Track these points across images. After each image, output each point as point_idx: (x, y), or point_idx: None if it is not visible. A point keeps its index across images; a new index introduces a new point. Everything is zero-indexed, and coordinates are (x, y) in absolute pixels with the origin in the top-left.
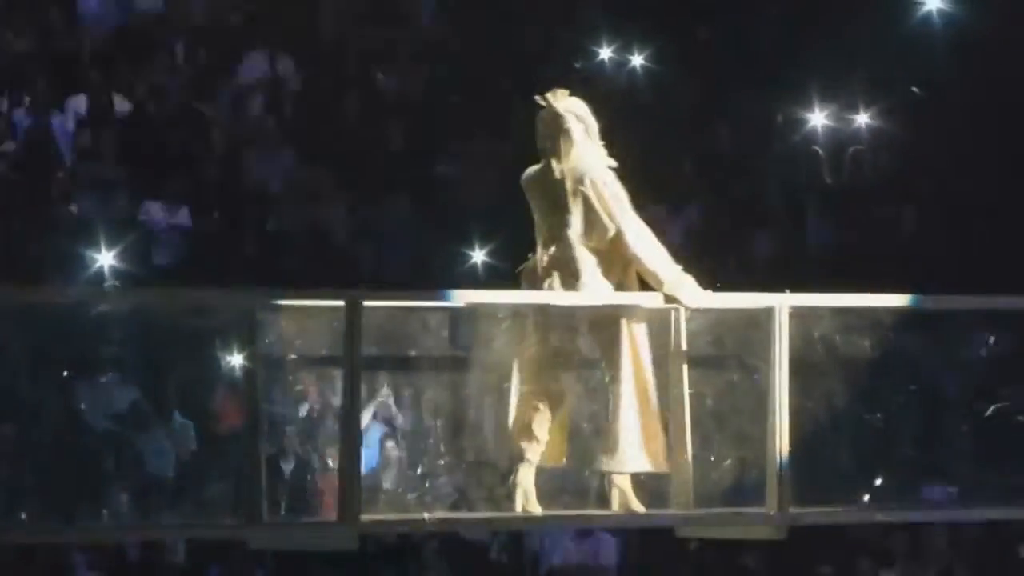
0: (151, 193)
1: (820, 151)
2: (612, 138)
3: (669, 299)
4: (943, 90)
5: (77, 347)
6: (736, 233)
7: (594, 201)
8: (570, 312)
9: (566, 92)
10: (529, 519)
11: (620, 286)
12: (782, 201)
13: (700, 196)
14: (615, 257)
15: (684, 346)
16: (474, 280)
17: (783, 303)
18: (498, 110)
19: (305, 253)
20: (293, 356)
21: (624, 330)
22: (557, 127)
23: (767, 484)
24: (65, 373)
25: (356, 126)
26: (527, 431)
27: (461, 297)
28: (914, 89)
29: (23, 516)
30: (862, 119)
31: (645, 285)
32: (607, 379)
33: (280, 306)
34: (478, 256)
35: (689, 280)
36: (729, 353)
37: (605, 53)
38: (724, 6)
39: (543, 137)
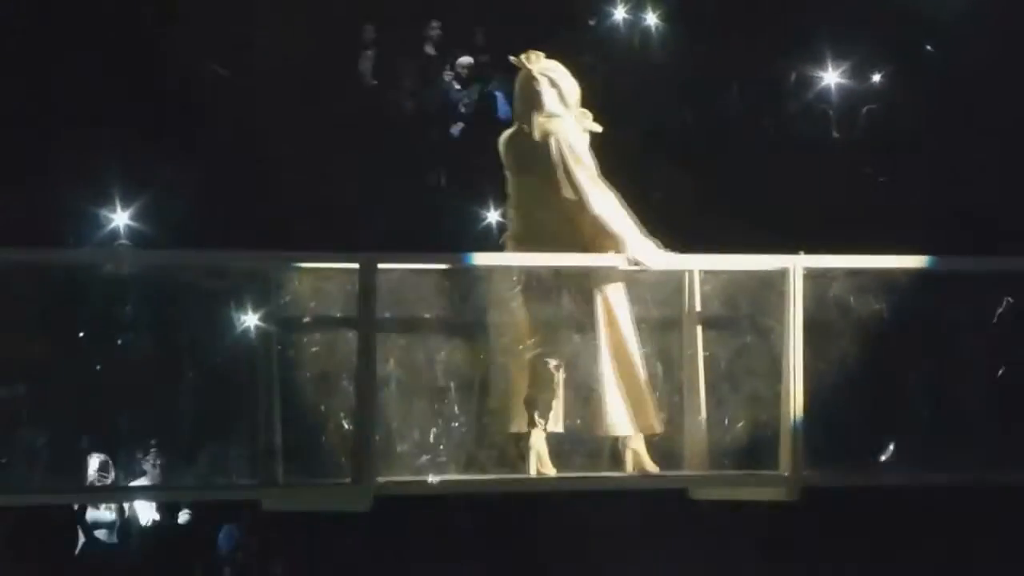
0: None
1: (831, 111)
2: (618, 97)
3: (632, 261)
4: (957, 46)
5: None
6: (749, 193)
7: (557, 163)
8: (550, 275)
9: (541, 54)
10: (542, 481)
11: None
12: (794, 161)
13: (709, 156)
14: (581, 223)
15: (698, 308)
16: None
17: (797, 264)
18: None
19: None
20: (307, 319)
21: (598, 293)
22: (530, 89)
23: (780, 445)
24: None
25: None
26: (536, 394)
27: (455, 260)
28: (928, 48)
29: (36, 477)
30: (876, 78)
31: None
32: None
33: (295, 268)
34: (492, 216)
35: (651, 244)
36: (743, 315)
37: (619, 13)
38: None
39: (516, 99)
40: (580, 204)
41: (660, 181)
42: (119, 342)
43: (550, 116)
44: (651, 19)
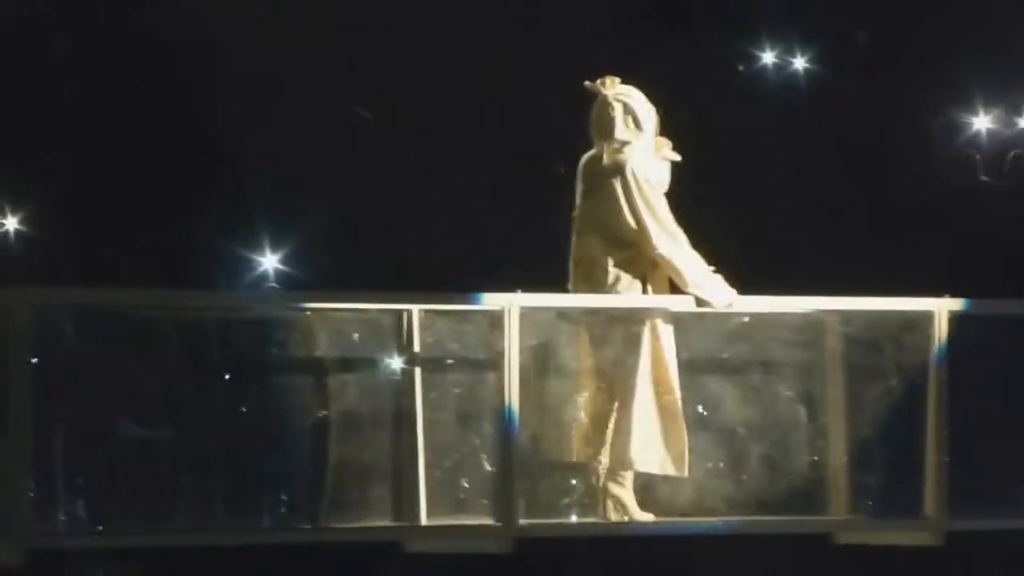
0: None
1: (978, 155)
2: (768, 138)
3: (699, 301)
4: None
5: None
6: (894, 235)
7: (620, 194)
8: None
9: (617, 79)
10: (690, 523)
11: (645, 283)
12: (940, 204)
13: (858, 196)
14: (640, 253)
15: (840, 352)
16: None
17: (942, 308)
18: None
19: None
20: (450, 360)
21: (646, 331)
22: (604, 115)
23: (925, 488)
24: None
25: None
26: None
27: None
28: None
29: (178, 520)
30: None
31: (675, 287)
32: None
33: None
34: None
35: (717, 279)
36: (887, 359)
37: (768, 57)
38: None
39: (592, 124)
40: (638, 237)
41: (806, 223)
42: (258, 384)
43: (622, 144)
44: (799, 63)
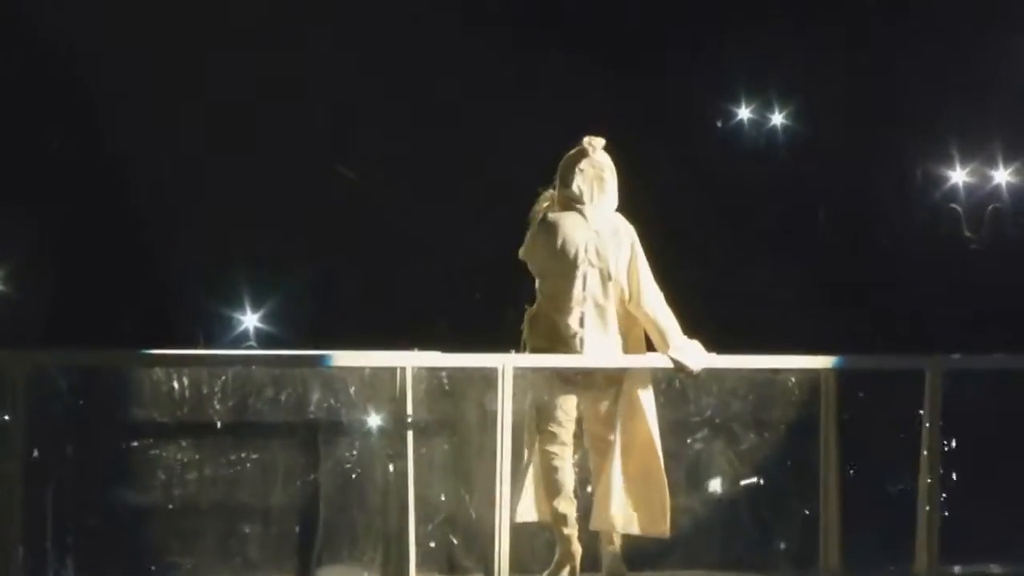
0: None
1: (959, 208)
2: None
3: (676, 363)
4: None
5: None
6: (875, 289)
7: (634, 253)
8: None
9: (603, 141)
10: None
11: (624, 341)
12: (921, 257)
13: (834, 248)
14: (625, 313)
15: (834, 409)
16: None
17: (935, 367)
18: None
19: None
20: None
21: (627, 389)
22: (600, 176)
23: (916, 540)
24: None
25: None
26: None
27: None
28: None
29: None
30: (1002, 176)
31: (650, 346)
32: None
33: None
34: None
35: (695, 344)
36: (879, 416)
37: (744, 113)
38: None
39: (590, 180)
40: (640, 290)
41: (791, 278)
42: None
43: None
44: (777, 118)
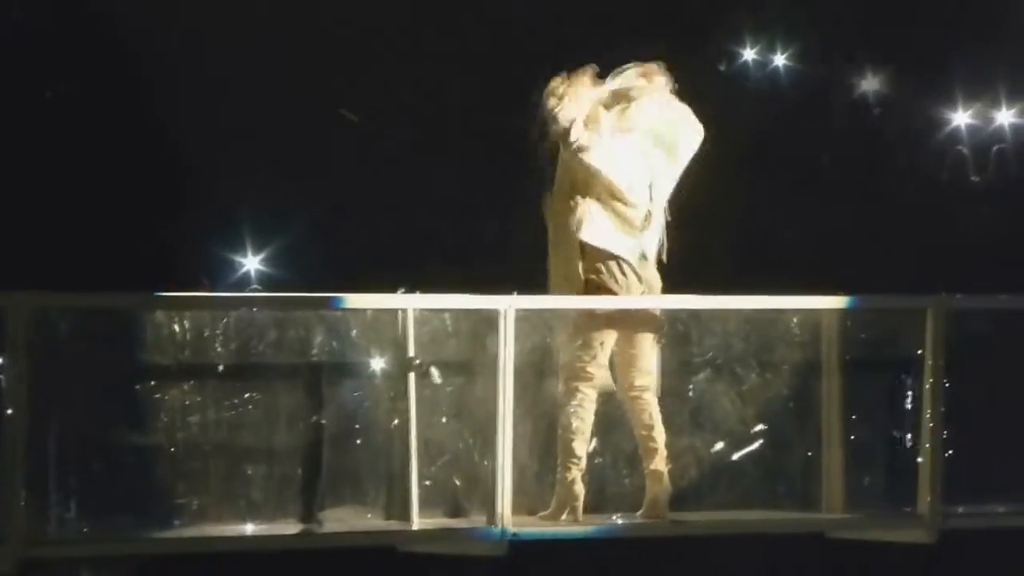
0: None
1: (965, 150)
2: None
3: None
4: None
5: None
6: (883, 232)
7: None
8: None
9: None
10: (679, 525)
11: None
12: (929, 199)
13: (844, 193)
14: None
15: (837, 354)
16: None
17: (937, 306)
18: None
19: None
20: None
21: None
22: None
23: (919, 483)
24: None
25: None
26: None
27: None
28: None
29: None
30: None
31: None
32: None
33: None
34: None
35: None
36: (882, 357)
37: (749, 54)
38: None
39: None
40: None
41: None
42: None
43: None
44: (780, 59)
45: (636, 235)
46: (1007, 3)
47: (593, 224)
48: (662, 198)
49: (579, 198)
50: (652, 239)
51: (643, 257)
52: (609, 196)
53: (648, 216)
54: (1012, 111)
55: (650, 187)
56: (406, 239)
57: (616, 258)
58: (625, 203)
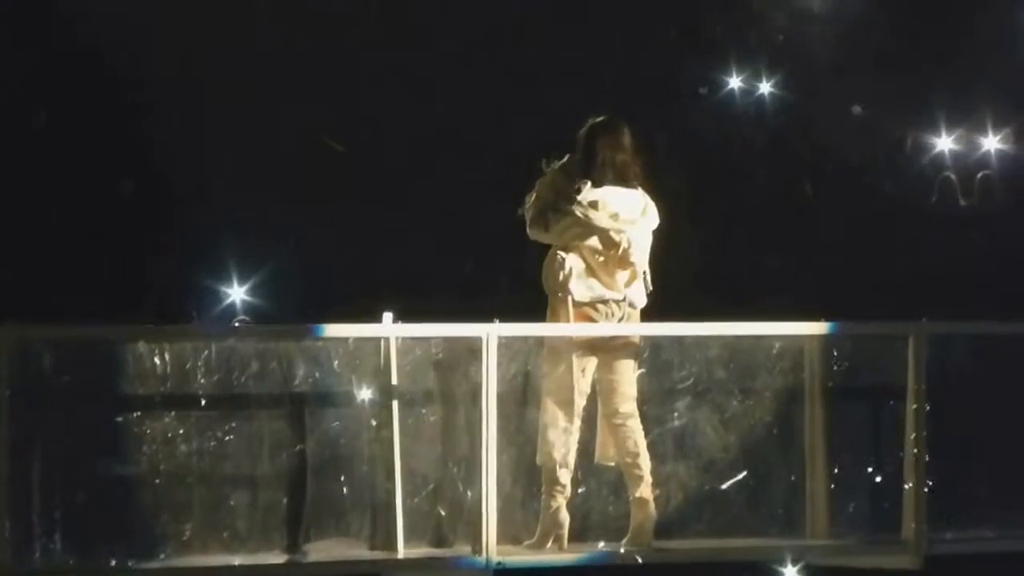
0: None
1: (952, 176)
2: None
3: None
4: None
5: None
6: (866, 256)
7: None
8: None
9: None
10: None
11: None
12: (912, 224)
13: (825, 215)
14: None
15: (819, 379)
16: None
17: (919, 332)
18: None
19: None
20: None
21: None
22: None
23: (904, 508)
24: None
25: None
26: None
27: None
28: None
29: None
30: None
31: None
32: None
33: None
34: None
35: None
36: (868, 382)
37: (734, 82)
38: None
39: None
40: None
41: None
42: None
43: None
44: (764, 87)
45: (615, 277)
46: (993, 30)
47: (580, 281)
48: (641, 253)
49: (561, 255)
50: (639, 291)
51: (631, 306)
52: (591, 253)
53: (626, 254)
54: (997, 137)
55: (628, 242)
56: (391, 268)
57: (604, 300)
58: (606, 256)
